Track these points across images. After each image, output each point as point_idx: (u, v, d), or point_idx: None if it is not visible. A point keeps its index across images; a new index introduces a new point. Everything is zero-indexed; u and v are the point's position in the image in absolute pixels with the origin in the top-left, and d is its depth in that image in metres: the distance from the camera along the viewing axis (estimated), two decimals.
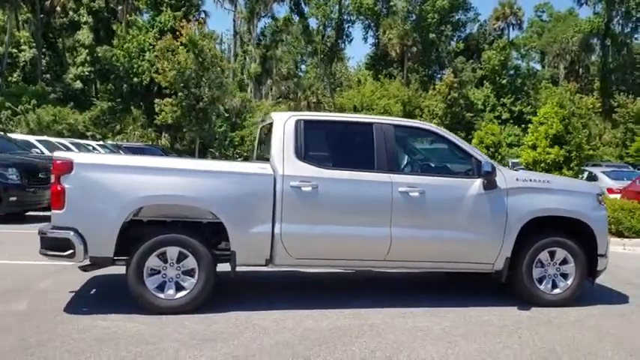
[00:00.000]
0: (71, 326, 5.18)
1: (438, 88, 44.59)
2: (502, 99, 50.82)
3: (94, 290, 6.62)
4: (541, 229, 6.36)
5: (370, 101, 41.30)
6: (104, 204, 5.50)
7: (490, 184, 6.15)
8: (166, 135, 34.92)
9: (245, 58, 44.96)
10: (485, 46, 55.34)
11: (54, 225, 5.53)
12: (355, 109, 41.75)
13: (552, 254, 6.37)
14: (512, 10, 55.55)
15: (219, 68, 28.60)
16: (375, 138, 6.13)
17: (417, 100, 44.42)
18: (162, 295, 5.64)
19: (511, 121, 49.46)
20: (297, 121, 6.03)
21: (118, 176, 5.55)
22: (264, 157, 6.93)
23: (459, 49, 54.32)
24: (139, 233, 5.69)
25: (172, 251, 5.66)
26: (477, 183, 6.17)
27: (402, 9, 52.46)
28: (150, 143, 30.77)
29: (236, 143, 35.67)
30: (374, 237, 5.99)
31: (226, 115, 32.69)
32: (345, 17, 55.26)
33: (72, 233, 5.43)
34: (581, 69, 61.23)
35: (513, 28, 58.82)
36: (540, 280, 6.36)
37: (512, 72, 53.49)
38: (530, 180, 6.41)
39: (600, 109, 49.31)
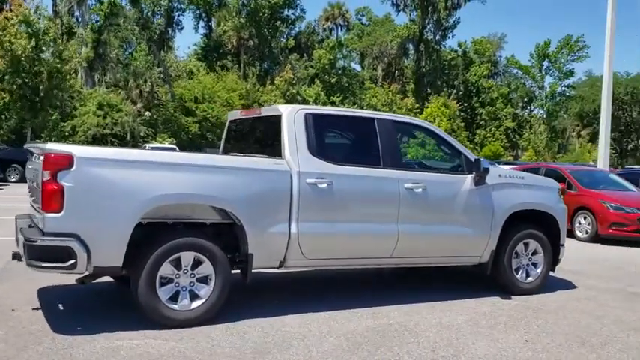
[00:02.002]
0: (89, 348, 4.41)
1: (277, 83, 45.04)
2: (332, 97, 52.84)
3: (60, 305, 5.70)
4: (513, 222, 6.78)
5: (212, 93, 40.39)
6: (113, 205, 4.75)
7: (481, 180, 6.42)
8: None
9: (56, 41, 40.88)
10: (316, 44, 57.11)
11: (48, 231, 4.64)
12: (197, 101, 40.60)
13: (526, 245, 6.85)
14: (340, 11, 58.01)
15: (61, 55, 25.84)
16: (378, 133, 6.07)
17: (255, 94, 44.46)
18: (176, 306, 5.03)
19: None
20: (306, 115, 5.74)
21: (128, 172, 4.82)
22: (236, 152, 6.52)
23: (289, 46, 55.36)
24: (141, 238, 4.99)
25: (187, 257, 5.08)
26: (469, 179, 6.41)
27: (234, 1, 52.11)
28: None
29: (66, 134, 32.63)
30: (383, 234, 5.96)
31: (57, 102, 29.68)
32: (176, 5, 53.34)
33: (74, 240, 4.62)
34: (397, 71, 65.90)
35: (341, 29, 61.50)
36: (517, 270, 6.80)
37: (340, 71, 55.83)
38: (509, 176, 6.82)
39: (418, 110, 53.57)
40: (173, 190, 4.96)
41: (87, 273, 4.84)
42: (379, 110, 53.80)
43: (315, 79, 53.16)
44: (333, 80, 53.27)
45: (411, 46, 64.64)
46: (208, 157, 5.33)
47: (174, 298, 5.04)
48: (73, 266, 4.64)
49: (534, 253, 6.90)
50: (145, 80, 42.30)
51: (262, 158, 5.55)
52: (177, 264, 5.05)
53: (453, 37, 73.39)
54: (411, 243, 6.10)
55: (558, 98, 68.71)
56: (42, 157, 4.74)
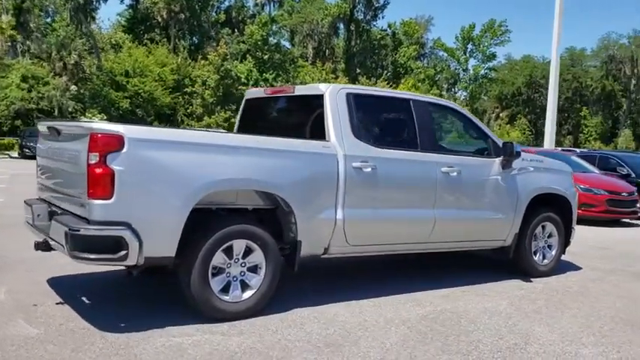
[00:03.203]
0: (150, 348, 4.02)
1: (211, 58, 43.67)
2: (264, 74, 51.95)
3: (84, 298, 5.21)
4: (533, 206, 6.79)
5: (143, 67, 38.69)
6: (166, 191, 4.34)
7: (508, 164, 6.39)
8: None
9: None
10: (247, 20, 55.88)
11: (95, 219, 4.18)
12: (128, 75, 38.77)
13: (543, 228, 6.92)
14: None
15: None
16: (415, 115, 5.89)
17: (187, 69, 42.99)
18: (227, 298, 4.70)
19: None
20: (348, 94, 5.46)
21: (181, 155, 4.40)
22: (255, 134, 6.15)
23: (220, 21, 53.89)
24: (187, 226, 4.57)
25: (239, 245, 4.74)
26: (497, 162, 6.36)
27: None
28: None
29: None
30: (422, 219, 5.83)
31: None
32: None
33: (125, 229, 4.18)
34: (327, 50, 65.72)
35: (274, 5, 60.39)
36: (535, 253, 6.86)
37: (273, 48, 54.89)
38: (531, 160, 6.82)
39: None
40: (231, 174, 4.60)
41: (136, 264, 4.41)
42: None
43: (247, 56, 51.98)
44: (266, 57, 52.25)
45: (341, 25, 64.69)
46: (262, 140, 4.94)
47: (225, 289, 4.70)
48: (124, 258, 4.21)
49: (550, 235, 6.99)
50: (69, 52, 39.94)
51: (311, 141, 5.23)
52: (228, 253, 4.70)
53: (383, 17, 74.27)
54: (445, 228, 5.99)
55: (481, 81, 70.87)
56: (84, 137, 4.23)
